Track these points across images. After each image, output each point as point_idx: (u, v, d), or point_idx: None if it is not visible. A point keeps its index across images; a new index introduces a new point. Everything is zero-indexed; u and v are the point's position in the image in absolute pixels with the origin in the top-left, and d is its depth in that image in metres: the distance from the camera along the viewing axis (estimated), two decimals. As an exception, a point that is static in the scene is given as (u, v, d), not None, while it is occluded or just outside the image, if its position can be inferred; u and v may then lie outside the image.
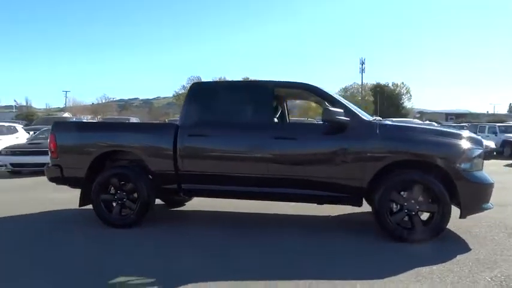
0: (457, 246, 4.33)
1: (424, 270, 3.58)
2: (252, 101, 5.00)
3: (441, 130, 4.95)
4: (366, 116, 4.90)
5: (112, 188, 5.13)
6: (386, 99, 56.11)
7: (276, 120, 5.17)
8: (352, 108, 4.74)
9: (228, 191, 4.97)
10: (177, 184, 4.99)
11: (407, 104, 59.73)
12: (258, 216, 5.79)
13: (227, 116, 5.00)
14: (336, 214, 5.65)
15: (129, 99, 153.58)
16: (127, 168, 5.13)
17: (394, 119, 20.42)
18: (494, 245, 4.37)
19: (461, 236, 4.73)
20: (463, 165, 4.35)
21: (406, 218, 4.46)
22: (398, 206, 4.49)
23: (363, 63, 55.11)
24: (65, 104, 74.22)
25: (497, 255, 4.02)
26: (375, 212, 4.48)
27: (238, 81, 5.30)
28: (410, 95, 59.73)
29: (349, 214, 5.59)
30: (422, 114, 66.87)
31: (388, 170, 4.48)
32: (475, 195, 4.41)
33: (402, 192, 4.48)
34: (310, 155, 4.72)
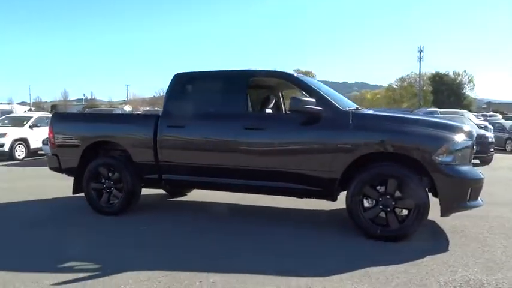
0: (436, 246, 4.00)
1: (376, 270, 3.34)
2: (226, 91, 4.94)
3: (426, 120, 4.55)
4: (347, 106, 4.65)
5: (101, 177, 5.35)
6: (446, 89, 52.41)
7: (250, 109, 4.99)
8: (328, 98, 4.49)
9: (205, 182, 4.97)
10: (158, 174, 5.09)
11: (470, 93, 55.34)
12: (252, 208, 5.75)
13: (203, 106, 4.98)
14: (329, 209, 5.44)
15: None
16: (113, 158, 5.31)
17: (440, 110, 19.27)
18: (478, 247, 3.96)
19: (449, 235, 4.36)
20: (442, 158, 3.97)
21: (383, 215, 4.18)
22: (374, 201, 4.22)
23: (421, 51, 51.96)
24: (127, 97, 78.54)
25: (470, 258, 3.65)
26: (347, 207, 4.25)
27: (216, 70, 5.19)
28: (474, 84, 55.24)
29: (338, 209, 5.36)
30: (490, 105, 61.91)
31: (367, 162, 4.22)
32: (456, 191, 4.02)
33: (378, 187, 4.19)
34: (278, 146, 4.57)
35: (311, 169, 4.39)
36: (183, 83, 5.17)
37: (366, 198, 4.27)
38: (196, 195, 6.41)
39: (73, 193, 5.51)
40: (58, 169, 5.68)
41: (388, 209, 4.11)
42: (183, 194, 6.55)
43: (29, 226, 4.80)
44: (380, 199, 4.14)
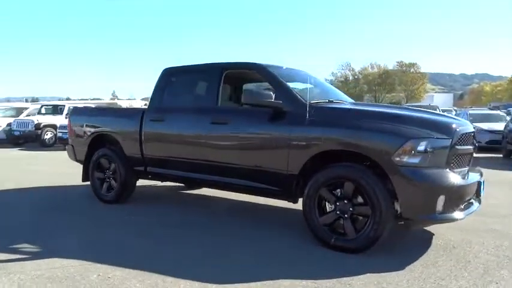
0: (401, 259, 3.43)
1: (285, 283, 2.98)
2: (201, 85, 4.86)
3: (394, 113, 3.88)
4: (317, 99, 4.22)
5: (103, 167, 5.71)
6: None
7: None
8: (291, 91, 4.12)
9: (180, 177, 4.98)
10: (144, 167, 5.25)
11: None
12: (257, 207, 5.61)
13: (181, 100, 5.00)
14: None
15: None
16: (110, 151, 5.62)
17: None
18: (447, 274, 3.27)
19: (432, 249, 3.71)
20: (405, 159, 3.35)
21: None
22: (333, 206, 3.76)
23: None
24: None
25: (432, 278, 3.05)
26: (302, 210, 3.86)
27: (196, 64, 5.10)
28: None
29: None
30: None
31: (331, 162, 3.79)
32: (420, 200, 3.35)
33: (338, 190, 3.72)
34: (238, 141, 4.33)
35: (269, 167, 4.09)
36: (167, 78, 5.23)
37: (326, 202, 3.83)
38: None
39: (82, 181, 5.99)
40: (74, 158, 6.22)
41: (345, 216, 3.63)
42: (199, 187, 6.61)
43: (25, 210, 5.34)
44: (337, 203, 3.67)
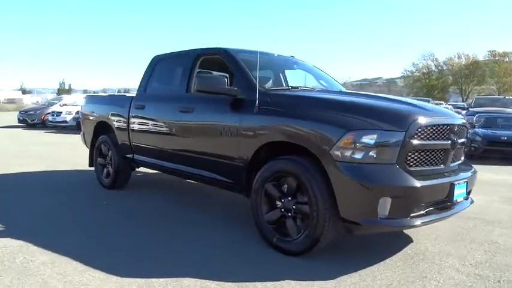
0: (342, 268, 3.04)
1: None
2: (177, 72, 4.74)
3: (340, 100, 3.41)
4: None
5: (104, 154, 5.91)
6: None
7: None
8: (249, 78, 3.81)
9: (157, 166, 4.93)
10: (132, 154, 5.31)
11: None
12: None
13: (160, 87, 4.95)
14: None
15: (372, 78, 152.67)
16: (109, 138, 5.77)
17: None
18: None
19: (392, 258, 3.24)
20: (346, 154, 2.91)
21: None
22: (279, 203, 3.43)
23: None
24: (304, 83, 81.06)
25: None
26: (250, 205, 3.59)
27: (178, 51, 4.98)
28: None
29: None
30: None
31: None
32: (359, 201, 2.89)
33: (285, 186, 3.38)
34: (199, 130, 4.15)
35: (223, 158, 3.86)
36: (153, 65, 5.21)
37: (271, 198, 3.51)
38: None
39: (89, 166, 6.26)
40: (85, 144, 6.53)
41: (289, 214, 3.29)
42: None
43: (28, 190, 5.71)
44: (282, 201, 3.34)
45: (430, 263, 3.20)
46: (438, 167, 3.18)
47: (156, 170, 5.22)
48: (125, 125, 5.28)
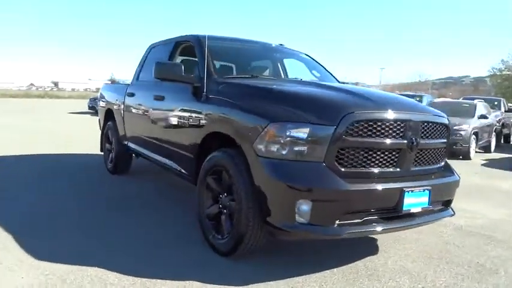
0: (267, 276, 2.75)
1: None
2: (160, 59, 4.64)
3: (273, 89, 3.04)
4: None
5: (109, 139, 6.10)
6: None
7: None
8: (206, 66, 3.58)
9: (139, 153, 4.93)
10: (126, 142, 5.38)
11: None
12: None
13: (147, 75, 4.91)
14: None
15: (458, 76, 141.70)
16: (112, 124, 5.91)
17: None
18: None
19: (334, 272, 2.86)
20: (268, 148, 2.61)
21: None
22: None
23: None
24: (380, 81, 77.72)
25: None
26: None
27: (166, 38, 4.88)
28: None
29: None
30: None
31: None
32: (277, 202, 2.56)
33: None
34: (166, 118, 4.01)
35: (179, 147, 3.74)
36: (146, 53, 5.21)
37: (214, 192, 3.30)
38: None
39: (100, 151, 6.51)
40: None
41: (224, 211, 3.06)
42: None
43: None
44: (221, 196, 3.12)
45: (373, 281, 2.77)
46: (387, 170, 2.72)
47: (143, 158, 5.23)
48: (121, 112, 5.37)
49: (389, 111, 2.71)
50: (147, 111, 4.48)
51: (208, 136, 3.26)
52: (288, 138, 2.54)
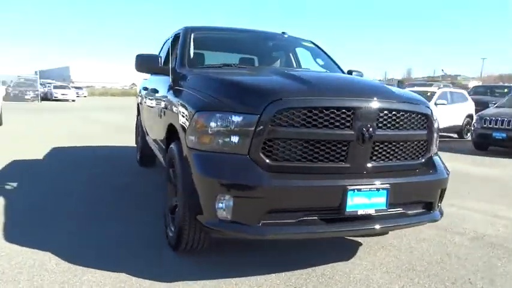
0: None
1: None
2: (167, 51, 4.66)
3: (226, 79, 2.78)
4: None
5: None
6: None
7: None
8: (179, 57, 3.56)
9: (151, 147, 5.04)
10: (146, 135, 5.56)
11: None
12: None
13: None
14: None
15: None
16: (139, 118, 6.16)
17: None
18: None
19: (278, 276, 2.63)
20: (196, 139, 2.45)
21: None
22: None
23: None
24: (481, 72, 70.11)
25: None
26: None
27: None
28: None
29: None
30: None
31: None
32: (197, 196, 2.39)
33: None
34: (153, 112, 4.05)
35: (158, 139, 3.74)
36: (161, 47, 5.30)
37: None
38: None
39: (135, 143, 6.83)
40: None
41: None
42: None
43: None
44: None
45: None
46: (330, 165, 2.37)
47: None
48: (140, 106, 5.57)
49: (331, 97, 2.36)
50: (149, 104, 4.57)
51: (169, 127, 3.19)
52: (213, 129, 2.36)
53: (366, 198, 2.36)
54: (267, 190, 2.23)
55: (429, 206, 2.68)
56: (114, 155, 7.12)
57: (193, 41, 3.73)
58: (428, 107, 2.70)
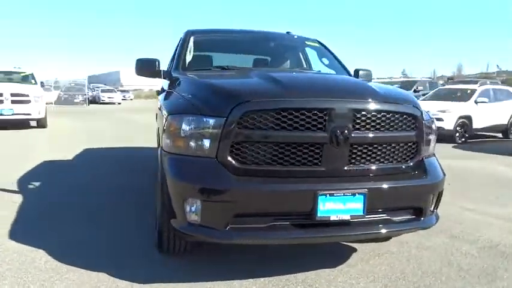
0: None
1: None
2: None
3: (203, 82, 2.73)
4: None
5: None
6: None
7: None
8: (175, 59, 3.61)
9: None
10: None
11: None
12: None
13: None
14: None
15: None
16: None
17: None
18: None
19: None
20: (171, 142, 2.46)
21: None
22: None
23: None
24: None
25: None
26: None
27: None
28: None
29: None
30: None
31: None
32: (172, 199, 2.39)
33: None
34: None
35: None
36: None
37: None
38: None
39: (157, 145, 7.01)
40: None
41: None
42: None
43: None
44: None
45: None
46: (303, 169, 2.28)
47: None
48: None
49: (302, 98, 2.27)
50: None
51: (158, 131, 3.24)
52: (185, 132, 2.35)
53: (340, 204, 2.24)
54: (232, 194, 2.19)
55: (419, 212, 2.51)
56: (133, 155, 7.35)
57: (195, 44, 3.75)
58: (416, 107, 2.53)
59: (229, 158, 2.24)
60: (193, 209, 2.26)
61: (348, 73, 3.88)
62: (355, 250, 3.09)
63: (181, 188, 2.29)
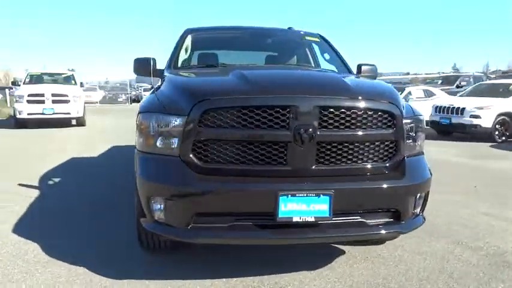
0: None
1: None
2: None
3: (179, 80, 2.67)
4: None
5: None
6: None
7: None
8: (171, 60, 3.63)
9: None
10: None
11: None
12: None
13: None
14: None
15: None
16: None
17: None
18: None
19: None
20: (142, 141, 2.47)
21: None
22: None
23: None
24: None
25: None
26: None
27: None
28: None
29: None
30: None
31: None
32: (141, 198, 2.41)
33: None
34: None
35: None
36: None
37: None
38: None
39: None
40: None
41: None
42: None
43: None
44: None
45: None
46: (267, 168, 2.21)
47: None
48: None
49: (264, 95, 2.21)
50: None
51: None
52: (153, 130, 2.36)
53: (303, 205, 2.16)
54: (192, 193, 2.18)
55: (397, 215, 2.37)
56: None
57: (194, 42, 3.77)
58: (394, 103, 2.37)
59: (192, 157, 2.22)
60: (158, 207, 2.27)
61: (348, 68, 3.73)
62: (343, 253, 2.97)
63: (146, 186, 2.31)
